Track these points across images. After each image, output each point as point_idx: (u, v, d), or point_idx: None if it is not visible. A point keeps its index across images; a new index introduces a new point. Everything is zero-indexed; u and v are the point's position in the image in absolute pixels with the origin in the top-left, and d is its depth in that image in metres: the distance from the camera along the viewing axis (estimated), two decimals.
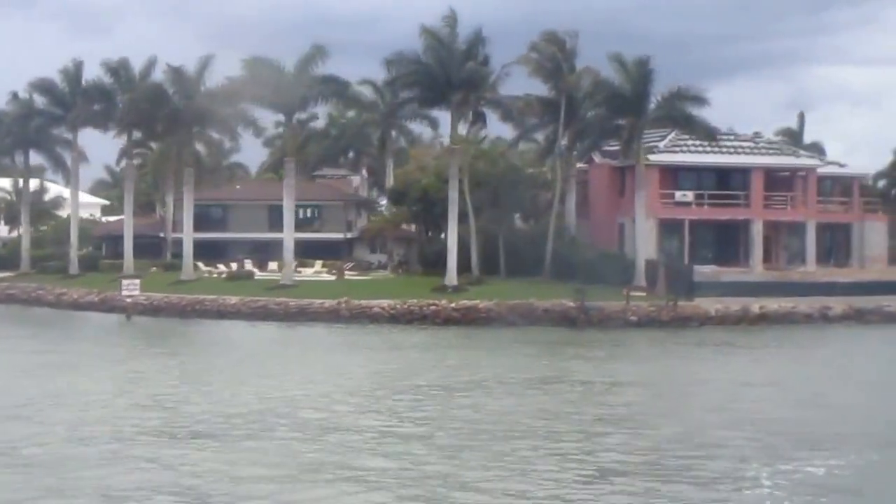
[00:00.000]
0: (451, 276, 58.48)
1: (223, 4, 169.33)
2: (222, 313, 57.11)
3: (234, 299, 57.67)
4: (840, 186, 77.31)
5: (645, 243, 65.25)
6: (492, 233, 67.31)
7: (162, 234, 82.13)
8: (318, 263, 73.43)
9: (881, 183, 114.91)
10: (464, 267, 64.75)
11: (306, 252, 77.83)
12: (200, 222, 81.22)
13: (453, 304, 54.69)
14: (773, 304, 56.06)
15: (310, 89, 58.41)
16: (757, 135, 78.15)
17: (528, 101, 61.47)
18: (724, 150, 68.72)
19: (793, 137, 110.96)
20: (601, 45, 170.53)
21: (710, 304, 55.23)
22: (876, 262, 73.96)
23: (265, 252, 77.37)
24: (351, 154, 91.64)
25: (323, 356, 42.58)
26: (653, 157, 66.09)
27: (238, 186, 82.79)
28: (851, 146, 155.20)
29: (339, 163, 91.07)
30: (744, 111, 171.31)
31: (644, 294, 56.94)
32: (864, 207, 77.52)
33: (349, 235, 78.69)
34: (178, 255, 78.57)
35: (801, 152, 72.53)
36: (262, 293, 58.86)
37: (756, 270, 66.69)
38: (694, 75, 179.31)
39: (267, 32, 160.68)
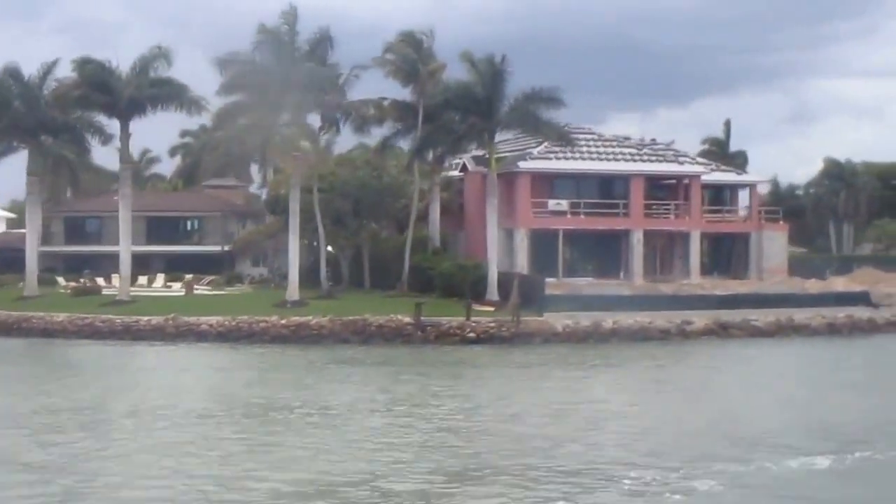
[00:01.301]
0: (293, 291, 55.24)
1: (221, 15, 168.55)
2: (48, 331, 53.75)
3: (61, 316, 54.35)
4: (740, 195, 74.29)
5: (512, 255, 62.30)
6: (377, 244, 64.46)
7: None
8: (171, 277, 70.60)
9: (812, 191, 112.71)
10: (336, 279, 62.04)
11: (186, 265, 74.81)
12: (74, 234, 78.27)
13: (283, 321, 51.34)
14: (629, 320, 52.74)
15: (140, 91, 54.96)
16: (652, 141, 75.26)
17: (379, 104, 58.15)
18: (605, 156, 65.68)
19: (719, 146, 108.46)
20: (604, 57, 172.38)
21: (559, 320, 51.91)
22: (775, 273, 70.98)
23: (144, 266, 74.38)
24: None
25: (90, 377, 39.33)
26: (524, 165, 63.03)
27: (116, 198, 79.42)
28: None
29: (237, 172, 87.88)
30: (747, 123, 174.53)
31: (492, 309, 53.61)
32: (765, 217, 74.72)
33: (226, 248, 75.33)
34: (52, 269, 75.50)
35: (686, 159, 69.20)
36: (96, 309, 55.53)
37: (636, 283, 63.57)
38: (697, 87, 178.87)
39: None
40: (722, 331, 53.65)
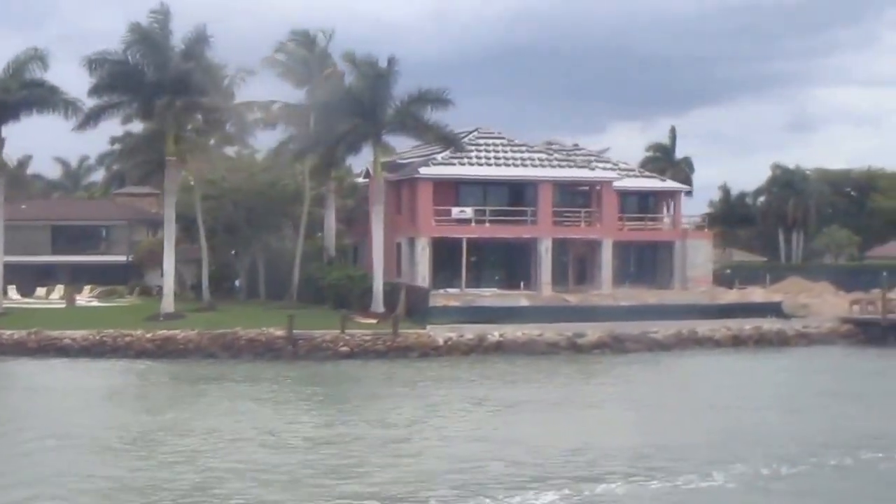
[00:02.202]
0: (168, 303, 52.63)
1: (228, 25, 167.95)
2: None
3: None
4: (665, 203, 71.70)
5: (414, 264, 59.77)
6: (272, 253, 61.95)
7: None
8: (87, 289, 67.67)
9: (760, 199, 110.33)
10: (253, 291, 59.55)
11: (91, 276, 72.16)
12: None
13: (149, 335, 48.66)
14: (517, 332, 50.18)
15: (9, 94, 52.27)
16: (575, 147, 72.84)
17: (266, 107, 55.54)
18: (513, 162, 63.13)
19: (664, 153, 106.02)
20: (605, 66, 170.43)
21: (442, 333, 49.33)
22: (699, 283, 68.49)
23: (49, 276, 71.81)
24: None
25: None
26: (426, 171, 60.47)
27: (24, 206, 76.75)
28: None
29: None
30: (748, 132, 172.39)
31: (375, 321, 51.01)
32: (691, 224, 72.34)
33: (130, 258, 72.61)
34: None
35: (599, 164, 66.64)
36: None
37: (544, 294, 60.98)
38: (697, 96, 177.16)
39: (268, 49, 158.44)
40: (617, 344, 51.14)
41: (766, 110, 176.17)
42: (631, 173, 71.88)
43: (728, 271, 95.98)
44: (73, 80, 55.56)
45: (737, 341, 53.72)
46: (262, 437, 28.41)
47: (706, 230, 72.51)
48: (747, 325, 54.79)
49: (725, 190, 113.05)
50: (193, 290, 64.89)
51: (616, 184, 69.20)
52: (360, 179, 64.71)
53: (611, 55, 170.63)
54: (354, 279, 54.71)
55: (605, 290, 62.38)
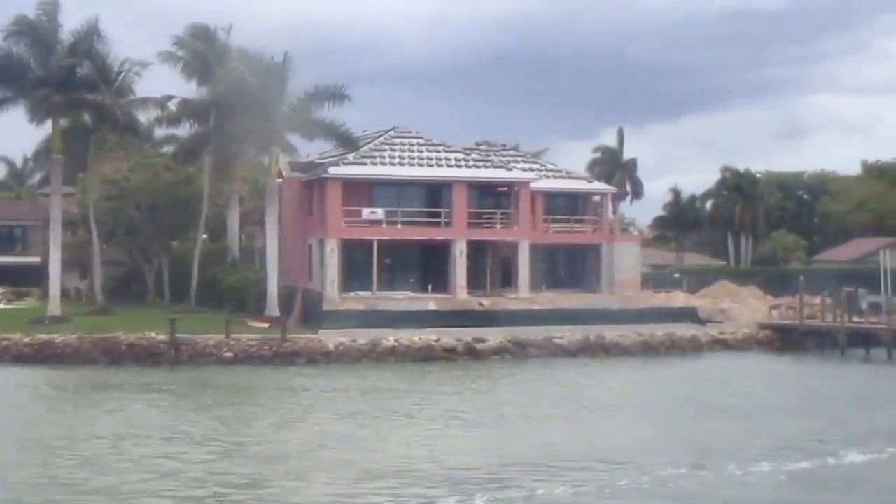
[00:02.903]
0: (54, 306, 50.69)
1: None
2: None
3: None
4: (593, 205, 70.00)
5: (323, 267, 57.96)
6: (176, 256, 60.04)
7: None
8: None
9: (708, 203, 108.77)
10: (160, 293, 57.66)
11: (3, 277, 70.31)
12: None
13: (28, 339, 46.72)
14: (414, 338, 48.42)
15: None
16: (502, 147, 71.18)
17: (163, 103, 53.64)
18: (429, 162, 61.35)
19: (611, 155, 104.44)
20: (596, 72, 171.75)
21: (334, 338, 47.53)
22: (627, 287, 66.85)
23: None
24: None
25: None
26: (335, 171, 58.60)
27: None
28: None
29: None
30: (740, 139, 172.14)
31: (267, 325, 49.17)
32: (619, 227, 70.71)
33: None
34: None
35: (518, 165, 64.92)
36: None
37: (459, 297, 59.20)
38: (687, 103, 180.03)
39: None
40: (518, 350, 49.48)
41: (758, 117, 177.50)
42: (558, 174, 70.32)
43: (677, 275, 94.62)
44: None
45: (647, 347, 52.15)
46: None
47: (635, 233, 70.90)
48: (659, 331, 53.18)
49: (676, 193, 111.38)
50: (104, 292, 63.02)
51: (543, 186, 67.76)
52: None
53: (602, 62, 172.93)
54: (252, 282, 52.79)
55: (523, 293, 60.64)
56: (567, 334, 51.11)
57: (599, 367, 46.91)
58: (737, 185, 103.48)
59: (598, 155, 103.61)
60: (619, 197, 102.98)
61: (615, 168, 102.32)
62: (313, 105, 50.86)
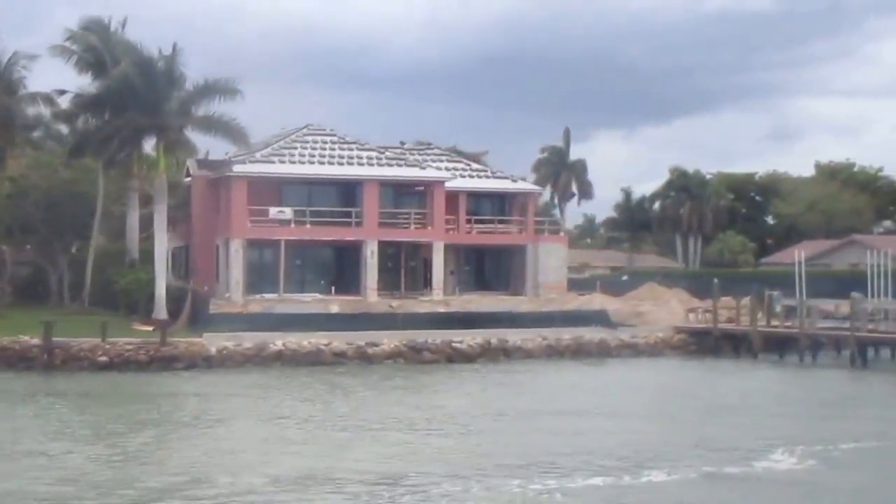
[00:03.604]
0: None
1: (220, 34, 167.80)
2: None
3: None
4: (519, 205, 68.34)
5: (228, 268, 56.28)
6: (75, 256, 58.17)
7: None
8: None
9: (656, 204, 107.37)
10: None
11: None
12: None
13: None
14: (304, 342, 46.68)
15: None
16: (423, 145, 69.57)
17: (50, 98, 51.77)
18: (338, 160, 59.70)
19: (558, 155, 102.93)
20: (589, 75, 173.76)
21: (218, 342, 45.74)
22: (552, 289, 65.29)
23: None
24: None
25: None
26: (240, 168, 56.89)
27: None
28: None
29: None
30: (730, 141, 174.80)
31: (151, 329, 47.33)
32: (546, 228, 69.16)
33: None
34: None
35: (440, 165, 63.13)
36: None
37: (370, 299, 57.51)
38: (679, 106, 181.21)
39: (264, 62, 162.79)
40: (414, 354, 47.77)
41: (748, 120, 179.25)
42: (483, 174, 68.73)
43: (625, 277, 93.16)
44: None
45: (551, 351, 50.52)
46: None
47: (561, 234, 69.26)
48: (566, 335, 51.53)
49: (627, 194, 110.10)
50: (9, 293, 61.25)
51: (468, 185, 66.23)
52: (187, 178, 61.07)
53: (594, 65, 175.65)
54: (143, 283, 50.98)
55: (437, 295, 58.97)
56: (468, 338, 49.39)
57: (489, 371, 45.16)
58: (684, 187, 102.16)
59: (544, 155, 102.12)
60: (564, 198, 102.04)
61: (561, 168, 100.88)
62: (204, 100, 48.95)
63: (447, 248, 65.56)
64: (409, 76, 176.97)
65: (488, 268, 68.74)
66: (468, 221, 65.99)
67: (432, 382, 41.69)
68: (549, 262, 66.48)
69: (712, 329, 53.40)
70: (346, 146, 60.63)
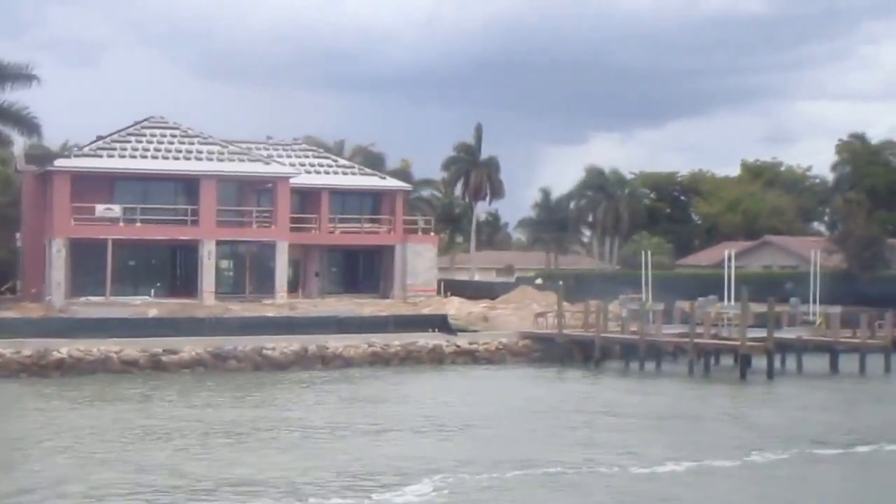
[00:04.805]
0: None
1: (216, 36, 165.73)
2: None
3: None
4: (388, 204, 65.02)
5: (50, 268, 52.84)
6: None
7: None
8: None
9: (572, 204, 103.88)
10: None
11: None
12: None
13: None
14: (93, 349, 43.05)
15: None
16: (295, 141, 66.23)
17: None
18: (174, 155, 56.32)
19: (469, 153, 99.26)
20: (583, 78, 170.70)
21: None
22: (421, 291, 62.25)
23: None
24: None
25: None
26: (63, 163, 53.56)
27: None
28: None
29: None
30: (726, 144, 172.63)
31: None
32: (414, 227, 66.03)
33: None
34: None
35: (277, 160, 59.70)
36: None
37: (206, 302, 54.10)
38: (673, 109, 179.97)
39: (259, 63, 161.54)
40: (218, 362, 44.24)
41: (744, 123, 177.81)
42: (350, 171, 65.51)
43: (538, 281, 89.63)
44: None
45: (377, 359, 46.98)
46: None
47: (432, 234, 65.93)
48: (397, 342, 48.06)
49: (545, 193, 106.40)
50: None
51: (332, 182, 63.22)
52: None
53: (591, 68, 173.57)
54: None
55: (280, 298, 55.58)
56: (283, 345, 45.90)
57: (291, 382, 41.69)
58: (600, 185, 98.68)
59: (454, 153, 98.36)
60: (475, 197, 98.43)
61: (472, 166, 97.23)
62: None
63: (311, 249, 62.61)
64: (405, 79, 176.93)
65: (362, 269, 65.67)
66: (331, 220, 62.84)
67: (207, 393, 38.15)
68: (418, 263, 63.45)
69: (556, 335, 49.97)
70: (186, 140, 57.21)
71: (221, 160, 56.29)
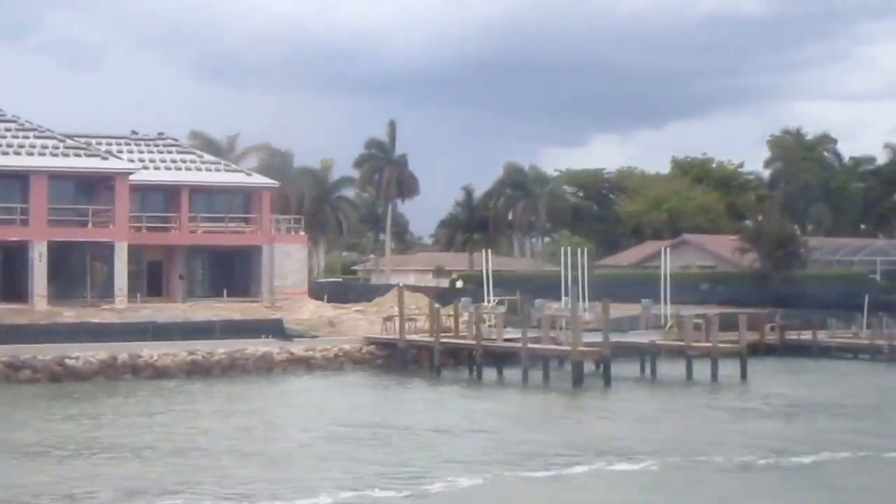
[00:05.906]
0: None
1: (214, 38, 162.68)
2: None
3: None
4: (258, 202, 61.26)
5: None
6: None
7: None
8: None
9: (492, 201, 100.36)
10: None
11: None
12: None
13: None
14: None
15: None
16: (164, 137, 62.42)
17: None
18: (5, 150, 52.57)
19: (381, 149, 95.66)
20: (582, 79, 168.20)
21: None
22: (290, 293, 58.69)
23: None
24: None
25: None
26: None
27: None
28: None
29: None
30: (725, 145, 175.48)
31: None
32: (285, 226, 62.41)
33: None
34: None
35: (115, 155, 55.76)
36: None
37: (38, 307, 50.34)
38: (672, 110, 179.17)
39: (258, 66, 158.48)
40: (11, 372, 40.55)
41: (742, 124, 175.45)
42: (216, 167, 61.83)
43: (460, 283, 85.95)
44: None
45: (196, 368, 43.32)
46: None
47: (301, 233, 62.19)
48: (222, 349, 44.36)
49: (468, 192, 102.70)
50: None
51: (193, 179, 59.62)
52: None
53: (587, 68, 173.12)
54: None
55: (119, 303, 51.83)
56: (88, 353, 42.17)
57: (83, 395, 37.97)
58: (519, 184, 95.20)
59: (366, 150, 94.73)
60: (388, 196, 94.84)
61: (385, 164, 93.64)
62: None
63: (174, 250, 59.06)
64: (403, 80, 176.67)
65: (237, 271, 61.93)
66: (194, 220, 59.16)
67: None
68: (287, 263, 59.85)
69: (398, 341, 46.34)
70: (21, 133, 53.44)
71: (56, 155, 52.47)
